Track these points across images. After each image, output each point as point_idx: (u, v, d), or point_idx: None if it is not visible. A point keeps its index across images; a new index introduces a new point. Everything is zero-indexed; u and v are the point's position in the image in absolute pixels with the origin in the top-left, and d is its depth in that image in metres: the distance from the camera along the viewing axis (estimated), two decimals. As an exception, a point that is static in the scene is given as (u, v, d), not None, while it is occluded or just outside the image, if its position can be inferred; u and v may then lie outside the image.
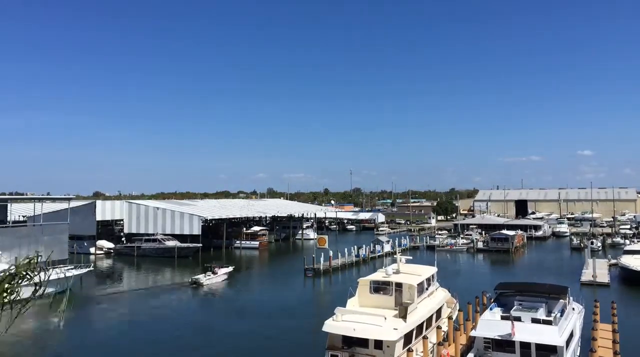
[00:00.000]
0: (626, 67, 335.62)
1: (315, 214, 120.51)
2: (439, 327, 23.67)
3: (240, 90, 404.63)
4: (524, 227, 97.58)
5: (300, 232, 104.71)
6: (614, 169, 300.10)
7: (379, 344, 20.92)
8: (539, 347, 19.66)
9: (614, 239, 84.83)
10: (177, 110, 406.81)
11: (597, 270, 48.66)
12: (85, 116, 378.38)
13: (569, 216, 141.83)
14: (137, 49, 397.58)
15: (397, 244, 59.19)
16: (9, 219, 60.54)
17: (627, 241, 79.11)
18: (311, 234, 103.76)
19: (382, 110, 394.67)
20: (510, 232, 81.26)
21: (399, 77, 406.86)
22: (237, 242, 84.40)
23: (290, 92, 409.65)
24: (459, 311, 28.26)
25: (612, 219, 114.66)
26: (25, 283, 6.41)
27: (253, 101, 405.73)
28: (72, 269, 47.90)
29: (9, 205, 61.52)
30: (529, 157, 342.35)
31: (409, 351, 20.90)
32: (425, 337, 22.20)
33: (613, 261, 56.36)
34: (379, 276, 25.89)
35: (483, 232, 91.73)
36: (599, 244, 77.05)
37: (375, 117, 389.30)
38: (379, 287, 25.04)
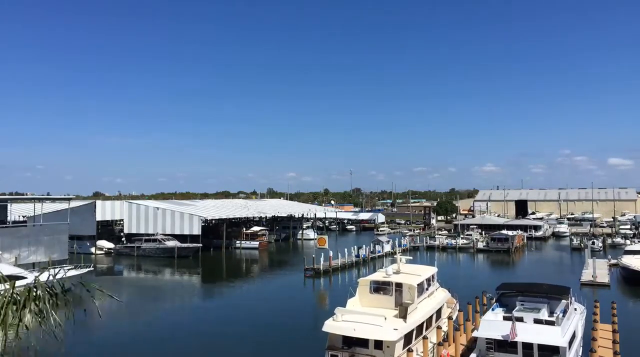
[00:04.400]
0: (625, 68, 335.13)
1: (315, 214, 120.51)
2: (439, 328, 23.66)
3: (240, 90, 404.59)
4: (524, 228, 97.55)
5: (300, 232, 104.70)
6: (614, 169, 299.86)
7: (379, 344, 20.89)
8: (542, 347, 19.63)
9: (614, 239, 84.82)
10: (176, 110, 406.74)
11: (597, 270, 48.61)
12: (84, 116, 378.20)
13: (569, 216, 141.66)
14: (136, 49, 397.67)
15: (397, 244, 59.18)
16: (9, 219, 60.54)
17: (628, 241, 79.15)
18: (311, 234, 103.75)
19: (382, 110, 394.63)
20: (510, 233, 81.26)
21: (399, 77, 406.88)
22: (237, 242, 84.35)
23: (290, 93, 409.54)
24: (459, 311, 28.23)
25: (612, 219, 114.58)
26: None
27: (253, 101, 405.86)
28: (72, 269, 47.90)
29: (9, 205, 61.53)
30: (529, 157, 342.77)
31: (409, 351, 20.88)
32: (425, 338, 22.19)
33: (613, 261, 56.32)
34: (379, 276, 25.88)
35: (483, 232, 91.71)
36: (600, 244, 77.03)
37: (376, 117, 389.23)
38: (379, 288, 25.02)
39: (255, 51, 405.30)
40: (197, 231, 75.64)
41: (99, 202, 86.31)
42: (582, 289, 43.41)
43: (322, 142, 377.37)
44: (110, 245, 78.14)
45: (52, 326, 5.98)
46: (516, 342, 19.97)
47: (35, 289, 6.14)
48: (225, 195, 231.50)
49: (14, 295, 5.93)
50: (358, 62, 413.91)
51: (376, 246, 71.14)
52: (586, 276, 48.90)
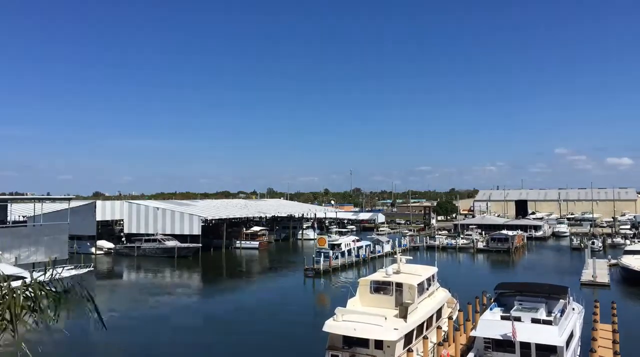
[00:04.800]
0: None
1: (315, 214, 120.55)
2: (439, 327, 23.70)
3: (239, 91, 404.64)
4: (524, 227, 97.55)
5: (300, 232, 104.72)
6: (614, 168, 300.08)
7: (379, 344, 20.94)
8: (539, 347, 19.67)
9: (614, 239, 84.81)
10: (176, 110, 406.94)
11: (597, 270, 48.63)
12: (84, 116, 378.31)
13: (569, 216, 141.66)
14: (136, 48, 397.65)
15: (397, 244, 59.21)
16: (9, 219, 60.53)
17: (628, 241, 79.16)
18: (311, 234, 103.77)
19: (382, 110, 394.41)
20: (510, 232, 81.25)
21: (399, 76, 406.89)
22: (237, 242, 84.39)
23: (290, 93, 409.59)
24: (459, 311, 28.27)
25: (612, 219, 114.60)
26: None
27: (253, 101, 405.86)
28: (72, 269, 47.96)
29: (9, 205, 61.51)
30: (529, 157, 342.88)
31: (409, 351, 20.92)
32: (425, 337, 22.22)
33: (613, 261, 56.33)
34: (379, 276, 25.93)
35: (483, 232, 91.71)
36: (600, 244, 77.05)
37: (376, 116, 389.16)
38: (379, 287, 25.06)
39: (255, 52, 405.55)
40: (197, 231, 75.67)
41: (99, 202, 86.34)
42: (582, 289, 43.41)
43: (321, 142, 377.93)
44: (110, 245, 78.20)
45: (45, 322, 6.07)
46: (514, 341, 20.00)
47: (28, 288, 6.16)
48: (225, 195, 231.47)
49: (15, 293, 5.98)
50: (358, 62, 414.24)
51: (376, 246, 71.14)
52: (586, 276, 48.92)
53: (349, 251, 64.42)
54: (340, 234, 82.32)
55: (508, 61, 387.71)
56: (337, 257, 60.74)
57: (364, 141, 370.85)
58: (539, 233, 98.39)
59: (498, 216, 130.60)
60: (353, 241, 68.15)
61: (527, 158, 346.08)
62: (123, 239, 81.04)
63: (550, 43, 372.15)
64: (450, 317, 26.49)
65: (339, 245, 63.72)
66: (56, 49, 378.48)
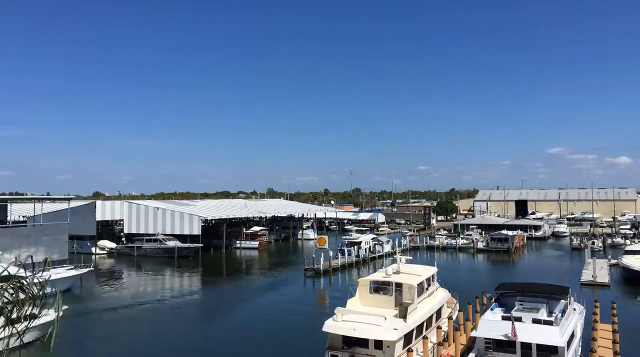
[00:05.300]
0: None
1: (315, 214, 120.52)
2: (439, 327, 23.68)
3: (239, 91, 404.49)
4: (524, 227, 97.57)
5: (300, 232, 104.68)
6: (614, 168, 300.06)
7: (379, 344, 20.92)
8: (540, 347, 19.63)
9: (614, 239, 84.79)
10: (176, 110, 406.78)
11: (597, 270, 48.63)
12: (84, 116, 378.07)
13: (569, 216, 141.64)
14: (138, 48, 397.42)
15: (397, 244, 59.18)
16: (9, 219, 60.49)
17: (628, 241, 79.15)
18: (311, 234, 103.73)
19: (383, 110, 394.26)
20: (510, 233, 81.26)
21: (399, 76, 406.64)
22: (237, 242, 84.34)
23: (290, 93, 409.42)
24: (459, 311, 28.25)
25: (612, 219, 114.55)
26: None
27: (252, 101, 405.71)
28: (72, 269, 47.94)
29: (9, 205, 61.46)
30: (529, 157, 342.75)
31: (409, 351, 20.90)
32: (425, 338, 22.20)
33: (613, 261, 56.31)
34: (379, 276, 25.90)
35: (483, 232, 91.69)
36: (600, 244, 77.04)
37: (376, 116, 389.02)
38: (379, 288, 25.04)
39: (255, 52, 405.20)
40: (197, 231, 75.62)
41: (99, 202, 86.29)
42: (582, 289, 43.41)
43: (321, 142, 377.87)
44: (112, 245, 78.13)
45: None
46: (515, 342, 19.96)
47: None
48: (225, 195, 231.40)
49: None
50: (358, 62, 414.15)
51: (376, 246, 71.14)
52: (586, 276, 48.91)
53: (369, 249, 68.73)
54: (361, 232, 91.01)
55: (508, 61, 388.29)
56: (358, 255, 64.37)
57: (364, 141, 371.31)
58: (539, 233, 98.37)
59: (498, 216, 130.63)
60: (372, 239, 72.48)
61: (527, 158, 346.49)
62: (123, 239, 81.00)
63: (550, 43, 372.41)
64: (450, 317, 26.46)
65: (359, 243, 67.46)
66: (56, 49, 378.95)
